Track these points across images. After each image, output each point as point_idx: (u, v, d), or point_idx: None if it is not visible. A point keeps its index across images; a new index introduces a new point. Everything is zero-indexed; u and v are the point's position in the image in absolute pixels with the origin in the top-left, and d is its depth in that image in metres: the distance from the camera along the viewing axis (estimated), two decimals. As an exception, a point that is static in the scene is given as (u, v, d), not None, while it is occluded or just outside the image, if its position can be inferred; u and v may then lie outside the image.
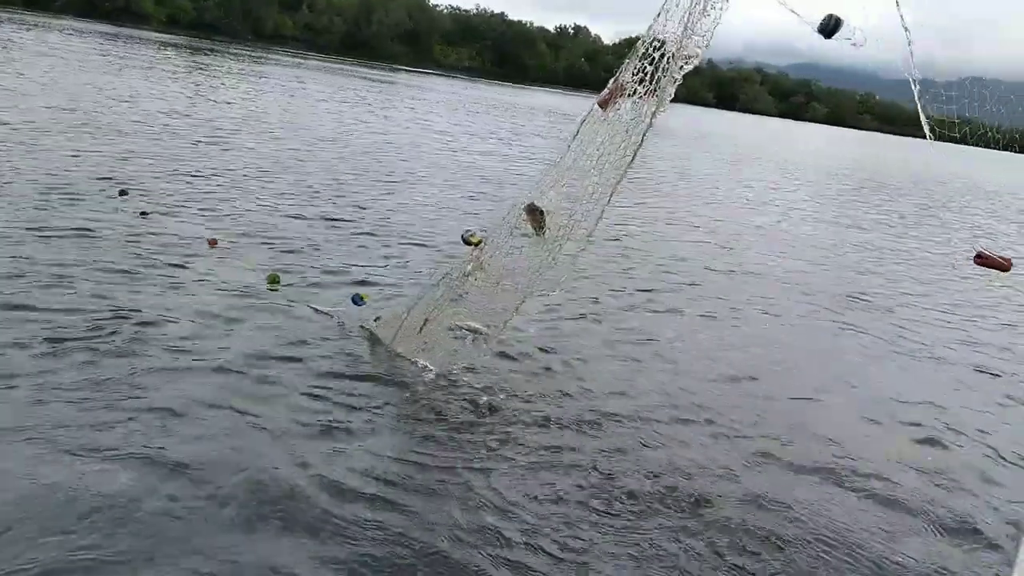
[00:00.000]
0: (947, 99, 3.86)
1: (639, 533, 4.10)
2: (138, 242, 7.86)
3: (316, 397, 5.13)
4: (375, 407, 5.12)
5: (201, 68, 35.47)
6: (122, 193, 9.50)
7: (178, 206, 9.55)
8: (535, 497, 4.28)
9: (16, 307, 5.70)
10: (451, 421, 5.06)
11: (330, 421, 4.84)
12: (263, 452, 4.34)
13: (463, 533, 3.89)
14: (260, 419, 4.70)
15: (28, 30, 39.22)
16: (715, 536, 4.16)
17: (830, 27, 3.80)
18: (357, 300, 6.78)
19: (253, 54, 56.72)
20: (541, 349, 6.52)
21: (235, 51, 56.39)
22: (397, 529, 3.83)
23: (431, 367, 5.69)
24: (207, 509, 3.78)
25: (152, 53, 39.46)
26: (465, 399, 5.37)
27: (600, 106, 4.48)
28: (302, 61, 61.27)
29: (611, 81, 4.38)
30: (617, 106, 4.30)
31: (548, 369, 6.18)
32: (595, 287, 8.72)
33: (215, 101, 22.58)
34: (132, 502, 3.72)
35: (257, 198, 10.84)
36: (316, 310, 6.72)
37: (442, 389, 5.50)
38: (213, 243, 8.27)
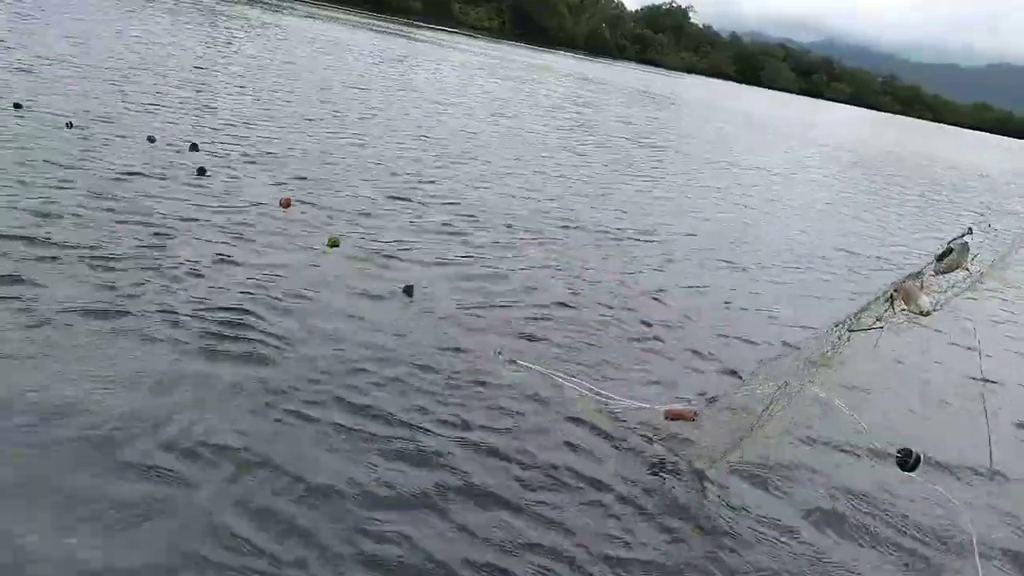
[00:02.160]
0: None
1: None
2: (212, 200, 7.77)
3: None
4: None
5: (218, 16, 34.68)
6: (193, 148, 9.35)
7: (242, 163, 9.41)
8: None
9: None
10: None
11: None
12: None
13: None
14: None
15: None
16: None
17: (911, 464, 3.68)
18: (409, 291, 6.29)
19: (265, 1, 55.21)
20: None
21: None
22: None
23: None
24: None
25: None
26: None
27: None
28: (315, 11, 60.09)
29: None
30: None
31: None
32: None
33: (249, 54, 22.25)
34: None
35: (321, 157, 10.72)
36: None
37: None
38: (286, 203, 8.00)
